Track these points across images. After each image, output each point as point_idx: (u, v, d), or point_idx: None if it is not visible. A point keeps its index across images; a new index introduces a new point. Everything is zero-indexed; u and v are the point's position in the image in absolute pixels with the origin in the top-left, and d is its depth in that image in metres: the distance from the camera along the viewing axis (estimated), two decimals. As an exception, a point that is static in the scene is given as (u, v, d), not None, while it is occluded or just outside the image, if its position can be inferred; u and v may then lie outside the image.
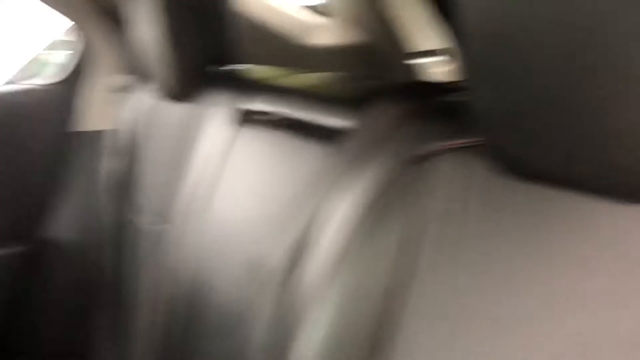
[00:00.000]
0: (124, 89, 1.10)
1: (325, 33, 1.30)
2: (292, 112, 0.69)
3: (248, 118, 0.75)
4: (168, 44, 0.84)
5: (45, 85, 1.19)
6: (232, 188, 0.74)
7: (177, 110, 0.88)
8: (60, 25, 1.27)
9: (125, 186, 0.99)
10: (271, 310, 0.61)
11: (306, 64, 1.22)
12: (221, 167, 0.76)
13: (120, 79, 1.14)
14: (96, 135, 1.16)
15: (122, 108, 1.07)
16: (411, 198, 0.52)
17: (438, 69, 1.37)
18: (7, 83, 1.21)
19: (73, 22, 1.17)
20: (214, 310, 0.72)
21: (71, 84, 1.19)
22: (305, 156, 0.65)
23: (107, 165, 1.09)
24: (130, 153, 1.00)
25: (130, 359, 0.91)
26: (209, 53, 0.89)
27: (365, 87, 0.76)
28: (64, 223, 1.17)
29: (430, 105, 0.59)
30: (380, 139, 0.56)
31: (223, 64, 0.91)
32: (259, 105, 0.75)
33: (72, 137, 1.18)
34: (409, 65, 1.32)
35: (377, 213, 0.53)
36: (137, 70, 1.10)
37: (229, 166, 0.75)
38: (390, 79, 1.33)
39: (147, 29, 0.86)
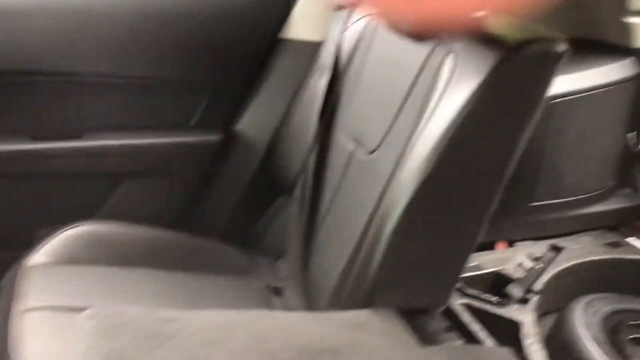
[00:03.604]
0: (340, 5, 1.14)
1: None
2: None
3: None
4: None
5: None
6: None
7: (408, 47, 0.86)
8: None
9: (329, 103, 1.05)
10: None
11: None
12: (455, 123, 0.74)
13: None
14: (304, 45, 1.22)
15: (336, 24, 1.12)
16: None
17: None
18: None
19: None
20: None
21: None
22: None
23: (312, 78, 1.15)
24: (338, 71, 1.05)
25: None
26: None
27: None
28: (257, 120, 1.27)
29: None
30: None
31: None
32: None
33: (280, 43, 1.25)
34: (625, 24, 1.23)
35: None
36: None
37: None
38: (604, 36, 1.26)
39: None
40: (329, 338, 0.71)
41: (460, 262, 0.85)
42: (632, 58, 1.29)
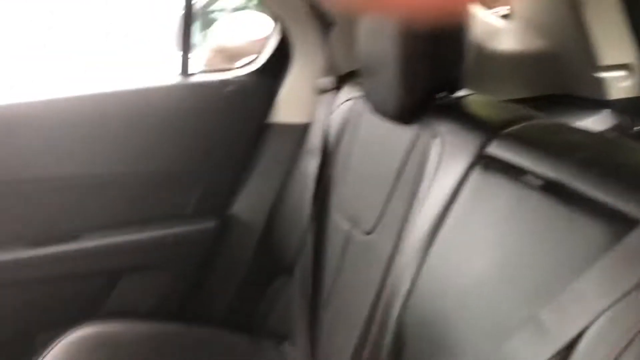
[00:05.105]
0: (325, 88, 1.17)
1: (511, 38, 1.29)
2: (559, 176, 0.63)
3: (489, 164, 0.73)
4: (399, 67, 0.83)
5: (240, 76, 1.28)
6: (462, 232, 0.72)
7: (394, 130, 0.90)
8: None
9: (321, 184, 1.06)
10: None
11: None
12: (448, 206, 0.75)
13: (322, 78, 1.20)
14: (292, 128, 1.25)
15: (322, 106, 1.15)
16: None
17: (624, 83, 1.31)
18: (202, 72, 1.29)
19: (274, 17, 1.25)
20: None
21: (267, 75, 1.28)
22: (571, 230, 0.58)
23: (302, 160, 1.17)
24: (328, 153, 1.07)
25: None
26: (440, 79, 0.87)
27: None
28: (251, 204, 1.29)
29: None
30: None
31: (453, 91, 0.89)
32: (504, 152, 0.72)
33: (267, 128, 1.29)
34: (597, 79, 1.28)
35: None
36: (340, 72, 1.16)
37: (459, 206, 0.74)
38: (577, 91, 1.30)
39: (381, 46, 0.86)
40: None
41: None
42: (607, 110, 1.33)
